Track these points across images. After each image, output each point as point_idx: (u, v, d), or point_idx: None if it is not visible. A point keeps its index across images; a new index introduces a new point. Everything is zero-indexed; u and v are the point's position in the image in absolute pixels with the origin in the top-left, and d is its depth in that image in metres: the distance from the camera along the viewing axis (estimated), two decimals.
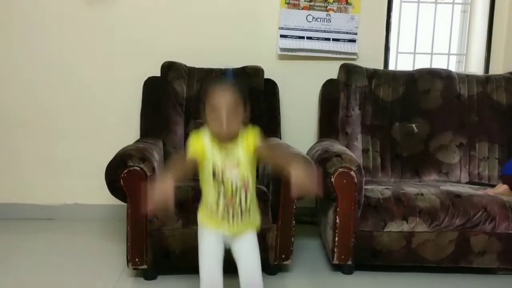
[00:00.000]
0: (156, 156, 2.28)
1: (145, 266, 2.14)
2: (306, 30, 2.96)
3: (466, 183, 2.66)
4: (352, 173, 2.16)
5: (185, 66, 2.78)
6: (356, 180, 2.16)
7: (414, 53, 3.21)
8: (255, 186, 1.60)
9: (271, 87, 2.82)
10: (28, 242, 2.65)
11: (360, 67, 2.85)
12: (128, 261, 2.13)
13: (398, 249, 2.23)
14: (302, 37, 2.97)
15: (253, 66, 2.80)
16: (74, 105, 2.99)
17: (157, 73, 2.76)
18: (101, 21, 2.93)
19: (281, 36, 2.96)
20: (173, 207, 1.35)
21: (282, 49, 2.97)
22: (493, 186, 2.49)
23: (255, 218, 1.63)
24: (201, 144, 1.52)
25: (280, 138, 2.75)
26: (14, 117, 2.99)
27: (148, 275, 2.18)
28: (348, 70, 2.83)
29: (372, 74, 2.84)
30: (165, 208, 1.36)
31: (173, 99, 2.70)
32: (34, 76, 2.96)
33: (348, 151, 2.35)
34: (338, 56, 2.98)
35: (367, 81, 2.81)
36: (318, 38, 2.97)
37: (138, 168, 2.07)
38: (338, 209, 2.19)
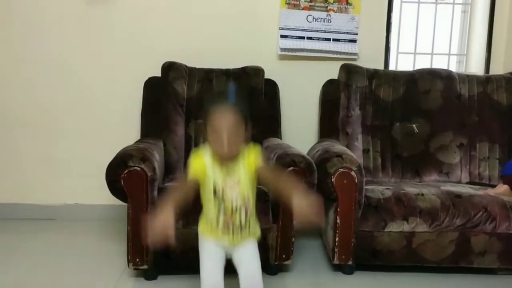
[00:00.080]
0: (157, 156, 2.28)
1: (145, 266, 2.14)
2: (306, 30, 2.96)
3: (467, 183, 2.66)
4: (353, 173, 2.16)
5: (186, 66, 2.78)
6: (356, 180, 2.16)
7: (415, 53, 3.21)
8: (255, 202, 1.60)
9: (271, 87, 2.82)
10: (28, 242, 2.65)
11: (361, 67, 2.85)
12: (128, 261, 2.13)
13: (399, 249, 2.23)
14: (303, 37, 2.97)
15: (253, 66, 2.80)
16: (74, 105, 2.99)
17: (157, 73, 2.76)
18: (101, 21, 2.93)
19: (282, 36, 2.96)
20: (174, 238, 1.35)
21: (283, 49, 2.97)
22: (493, 186, 2.49)
23: (255, 230, 1.64)
24: (201, 162, 1.52)
25: (281, 138, 2.74)
26: (14, 117, 2.99)
27: (149, 275, 2.18)
28: (349, 70, 2.83)
29: (373, 74, 2.84)
30: (165, 239, 1.35)
31: (174, 99, 2.70)
32: (34, 76, 2.96)
33: (348, 151, 2.35)
34: (338, 56, 2.98)
35: (367, 81, 2.81)
36: (318, 38, 2.97)
37: (138, 168, 2.06)
38: (338, 209, 2.19)
